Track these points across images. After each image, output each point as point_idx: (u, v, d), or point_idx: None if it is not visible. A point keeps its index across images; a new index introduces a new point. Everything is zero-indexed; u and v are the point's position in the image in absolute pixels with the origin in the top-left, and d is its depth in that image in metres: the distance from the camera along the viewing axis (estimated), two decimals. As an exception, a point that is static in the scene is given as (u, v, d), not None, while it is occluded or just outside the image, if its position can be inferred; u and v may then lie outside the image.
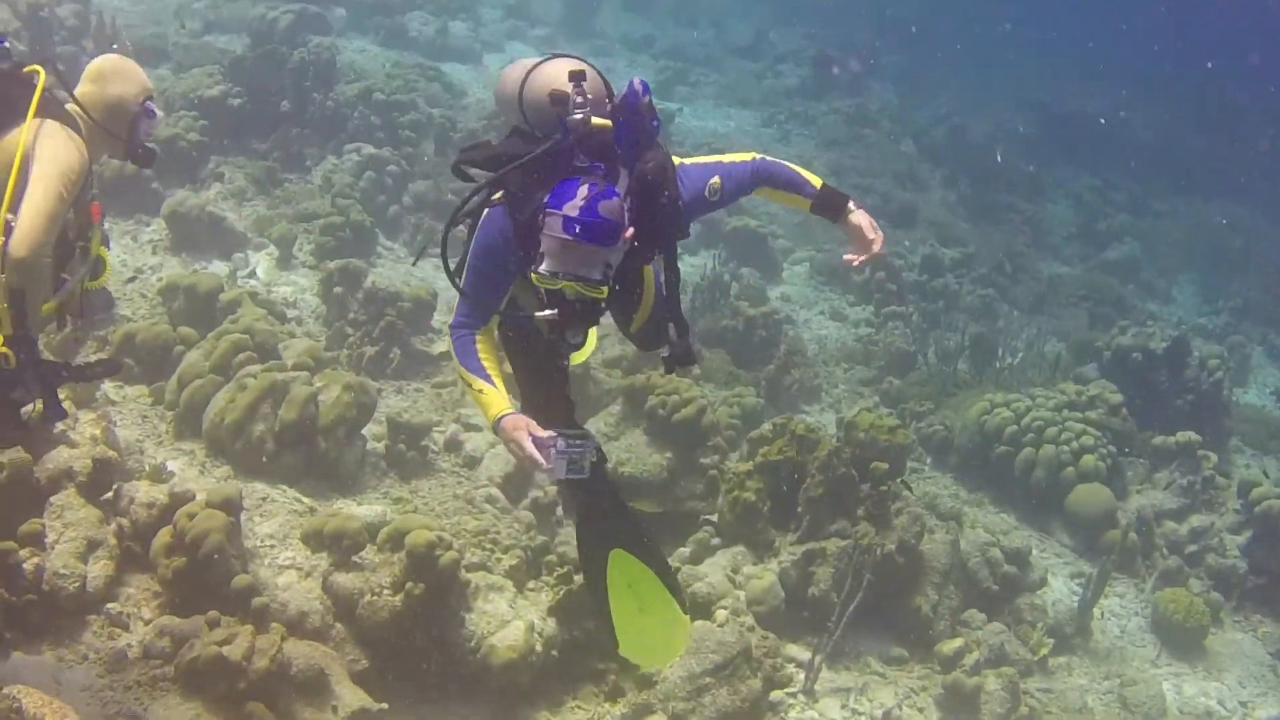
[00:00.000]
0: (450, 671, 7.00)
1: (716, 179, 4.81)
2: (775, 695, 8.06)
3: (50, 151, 4.78)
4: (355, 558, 7.05)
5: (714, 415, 9.79)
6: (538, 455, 4.50)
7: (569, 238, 4.25)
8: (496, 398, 4.68)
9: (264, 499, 7.84)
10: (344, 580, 6.89)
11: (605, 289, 4.39)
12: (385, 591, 6.85)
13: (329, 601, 6.88)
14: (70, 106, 5.14)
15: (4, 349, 4.56)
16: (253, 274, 11.97)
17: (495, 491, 8.97)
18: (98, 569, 6.34)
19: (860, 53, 27.35)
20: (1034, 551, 10.66)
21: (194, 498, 6.72)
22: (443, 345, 11.11)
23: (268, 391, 8.31)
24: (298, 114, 14.99)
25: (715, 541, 9.16)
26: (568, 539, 8.87)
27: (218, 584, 6.41)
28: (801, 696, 8.27)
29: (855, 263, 5.03)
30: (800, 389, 12.83)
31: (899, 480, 9.57)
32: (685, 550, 9.08)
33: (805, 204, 5.03)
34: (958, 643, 8.96)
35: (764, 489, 9.20)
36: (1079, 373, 13.76)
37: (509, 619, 7.14)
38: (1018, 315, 16.64)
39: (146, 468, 7.53)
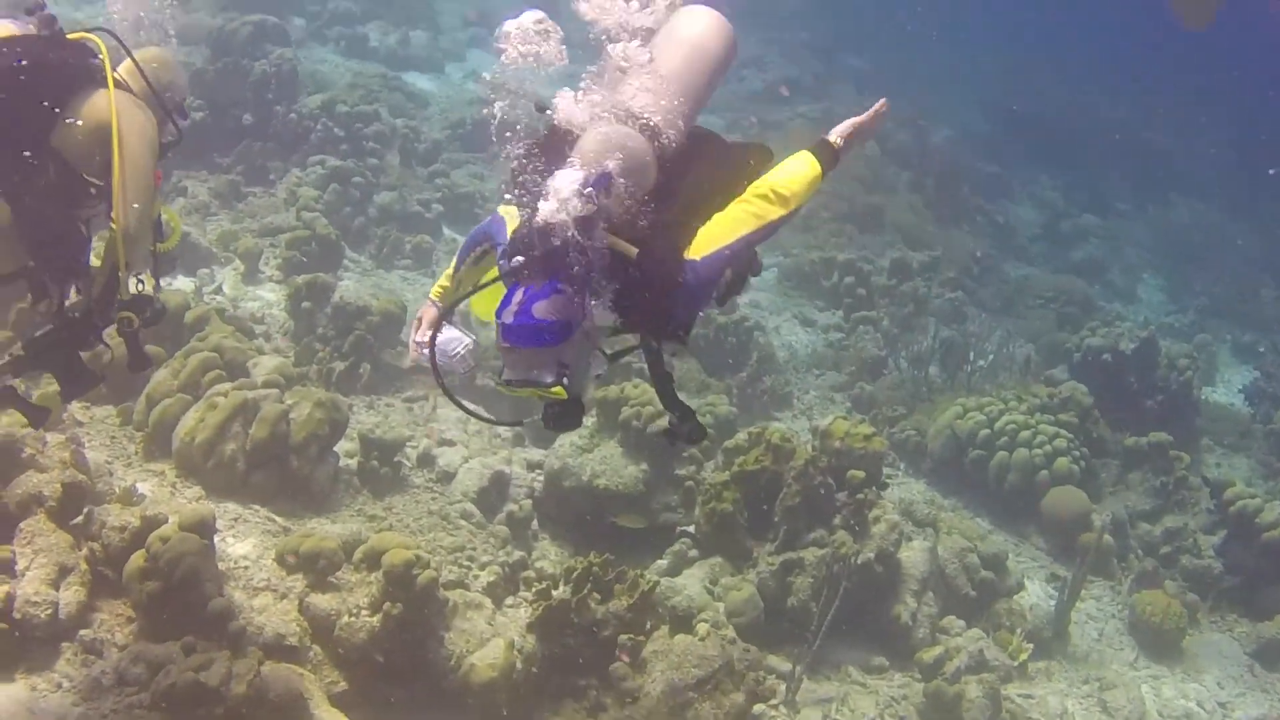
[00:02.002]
0: (431, 691, 6.91)
1: (729, 272, 4.33)
2: (758, 709, 8.00)
3: (131, 124, 4.89)
4: (332, 578, 6.96)
5: (689, 425, 9.73)
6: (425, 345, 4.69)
7: (507, 345, 4.02)
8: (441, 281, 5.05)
9: (236, 519, 7.74)
10: (321, 601, 6.80)
11: (561, 389, 4.03)
12: (363, 612, 6.76)
13: (306, 623, 6.78)
14: (128, 76, 5.19)
15: (129, 313, 4.90)
16: (219, 290, 11.84)
17: (470, 507, 8.91)
18: (70, 595, 6.21)
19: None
20: (1010, 556, 10.66)
21: (166, 520, 6.61)
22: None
23: (238, 410, 8.20)
24: (260, 127, 14.92)
25: (693, 553, 9.11)
26: (544, 553, 8.82)
27: (193, 608, 6.31)
28: (783, 708, 8.22)
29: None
30: (772, 396, 12.80)
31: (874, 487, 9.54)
32: (663, 563, 9.03)
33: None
34: (938, 650, 8.95)
35: (740, 499, 9.15)
36: (1049, 375, 13.79)
37: (489, 637, 7.06)
38: (986, 318, 16.65)
39: (117, 490, 7.40)
